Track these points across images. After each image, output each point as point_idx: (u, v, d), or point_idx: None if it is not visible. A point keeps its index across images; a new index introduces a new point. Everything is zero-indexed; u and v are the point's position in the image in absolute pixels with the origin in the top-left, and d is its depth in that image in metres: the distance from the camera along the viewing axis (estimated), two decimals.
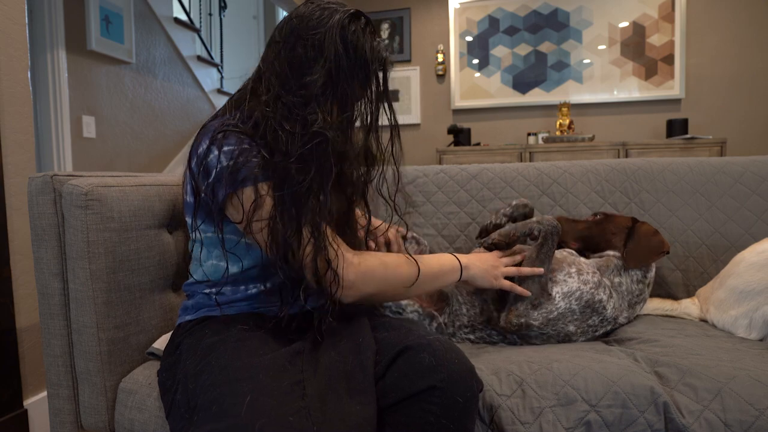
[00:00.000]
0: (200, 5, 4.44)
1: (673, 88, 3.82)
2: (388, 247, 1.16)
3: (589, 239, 1.25)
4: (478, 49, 4.19)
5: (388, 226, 1.17)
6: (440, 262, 0.97)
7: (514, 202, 1.26)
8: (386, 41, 4.46)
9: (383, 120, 0.91)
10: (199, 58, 3.81)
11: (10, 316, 1.39)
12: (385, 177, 0.95)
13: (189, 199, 0.89)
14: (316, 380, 0.73)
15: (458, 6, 4.21)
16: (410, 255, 0.93)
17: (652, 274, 1.19)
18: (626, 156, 3.47)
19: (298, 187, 0.80)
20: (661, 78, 3.84)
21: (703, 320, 1.23)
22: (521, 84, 4.11)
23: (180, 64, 3.58)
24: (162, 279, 1.05)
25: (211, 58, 4.02)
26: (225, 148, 0.81)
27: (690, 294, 1.35)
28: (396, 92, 4.45)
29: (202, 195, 0.84)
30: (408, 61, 4.41)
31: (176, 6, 3.73)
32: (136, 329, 1.00)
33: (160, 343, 1.00)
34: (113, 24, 2.93)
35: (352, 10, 0.86)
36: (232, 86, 4.48)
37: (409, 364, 0.75)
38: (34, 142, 1.50)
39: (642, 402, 0.80)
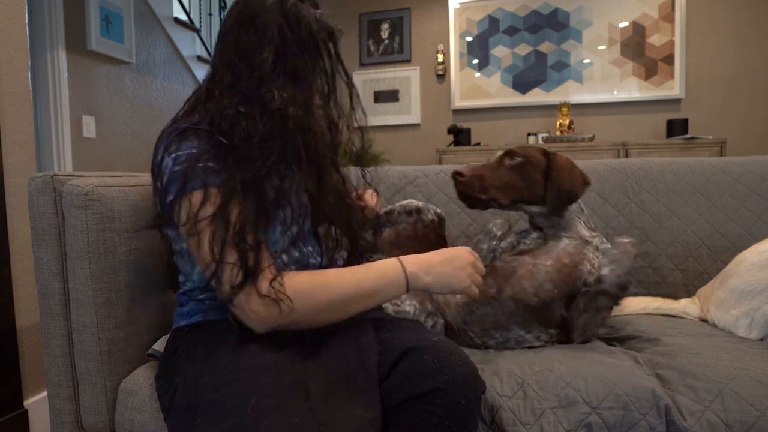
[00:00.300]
0: (200, 5, 4.44)
1: (673, 88, 3.82)
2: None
3: (515, 188, 1.13)
4: (478, 49, 4.19)
5: (364, 191, 1.14)
6: (377, 276, 0.82)
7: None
8: (386, 41, 4.47)
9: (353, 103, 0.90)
10: (199, 58, 3.81)
11: (11, 316, 1.39)
12: (353, 143, 0.93)
13: (159, 209, 0.86)
14: (318, 380, 0.72)
15: (458, 6, 4.21)
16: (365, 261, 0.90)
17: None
18: (626, 156, 3.48)
19: (259, 172, 0.78)
20: (661, 78, 3.84)
21: (703, 320, 1.23)
22: (521, 84, 4.11)
23: (180, 64, 3.58)
24: (162, 278, 1.05)
25: (212, 58, 4.02)
26: (175, 153, 0.79)
27: (690, 294, 1.35)
28: (396, 92, 4.45)
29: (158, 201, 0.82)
30: (408, 61, 4.41)
31: (176, 6, 3.73)
32: (137, 329, 1.00)
33: (161, 344, 1.00)
34: (113, 24, 2.93)
35: None
36: None
37: (413, 365, 0.75)
38: (34, 142, 1.50)
39: (643, 404, 0.80)
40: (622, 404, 0.80)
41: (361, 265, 0.83)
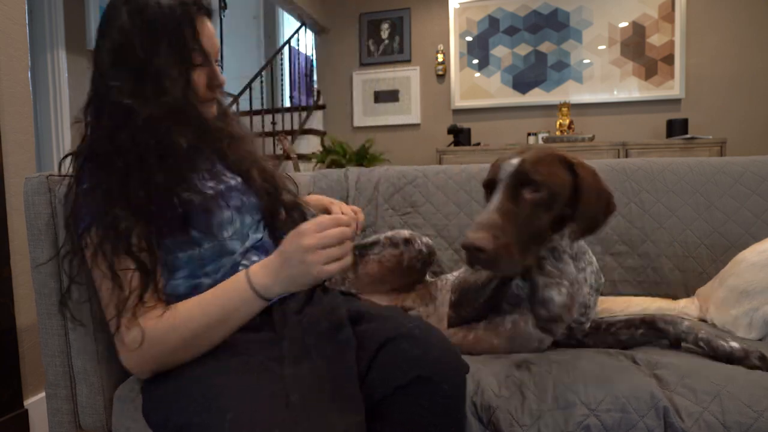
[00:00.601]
0: None
1: (673, 88, 3.82)
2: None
3: (544, 232, 0.91)
4: (478, 49, 4.19)
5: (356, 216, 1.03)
6: (224, 301, 0.78)
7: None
8: (386, 41, 4.47)
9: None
10: None
11: (10, 316, 1.39)
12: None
13: None
14: (298, 390, 0.70)
15: (458, 6, 4.21)
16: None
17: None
18: (626, 156, 3.47)
19: (123, 179, 0.77)
20: (661, 78, 3.84)
21: (702, 320, 1.23)
22: (521, 84, 4.11)
23: None
24: None
25: None
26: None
27: (689, 294, 1.35)
28: (396, 92, 4.45)
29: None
30: (408, 61, 4.41)
31: None
32: None
33: None
34: None
35: None
36: (233, 86, 4.48)
37: (391, 356, 0.72)
38: (34, 142, 1.50)
39: (642, 406, 0.79)
40: (621, 406, 0.80)
41: (211, 291, 0.78)
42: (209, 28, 0.88)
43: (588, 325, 1.05)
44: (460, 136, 3.94)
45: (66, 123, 2.95)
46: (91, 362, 0.93)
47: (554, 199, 0.88)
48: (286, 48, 4.66)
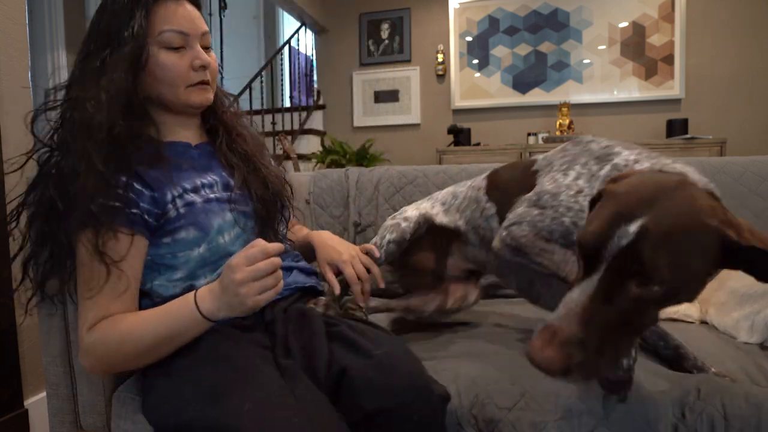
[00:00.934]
0: None
1: (673, 88, 3.82)
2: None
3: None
4: (478, 49, 4.19)
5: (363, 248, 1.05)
6: (171, 321, 0.77)
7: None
8: (386, 41, 4.47)
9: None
10: None
11: (11, 316, 1.39)
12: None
13: None
14: (297, 380, 0.73)
15: (458, 6, 4.21)
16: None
17: None
18: None
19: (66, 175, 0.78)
20: (661, 78, 3.84)
21: (704, 322, 1.23)
22: (521, 84, 4.11)
23: None
24: None
25: None
26: None
27: None
28: (396, 92, 4.45)
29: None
30: (408, 61, 4.41)
31: None
32: None
33: None
34: None
35: None
36: (232, 86, 4.48)
37: (356, 386, 0.73)
38: (34, 142, 1.50)
39: (649, 412, 0.79)
40: (630, 415, 0.79)
41: (164, 308, 0.78)
42: (186, 9, 0.86)
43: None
44: (460, 136, 3.94)
45: None
46: None
47: (676, 294, 0.59)
48: (286, 48, 4.65)
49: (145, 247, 0.82)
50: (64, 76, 2.81)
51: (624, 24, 3.90)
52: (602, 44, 3.94)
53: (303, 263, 1.04)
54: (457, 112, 4.28)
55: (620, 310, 0.58)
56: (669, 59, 3.82)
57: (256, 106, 4.24)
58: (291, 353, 0.81)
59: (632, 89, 3.90)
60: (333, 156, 4.03)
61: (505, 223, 0.95)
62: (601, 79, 3.95)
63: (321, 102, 4.73)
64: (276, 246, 0.72)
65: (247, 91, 4.13)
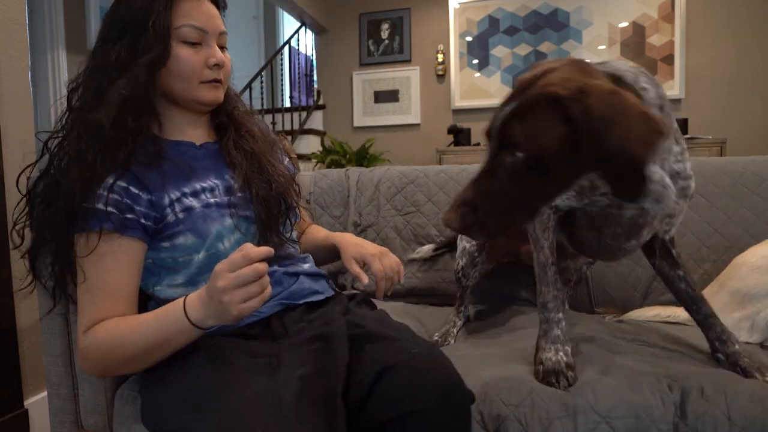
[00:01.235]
0: None
1: (673, 88, 3.82)
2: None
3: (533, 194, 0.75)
4: (478, 49, 4.19)
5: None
6: (162, 329, 0.76)
7: None
8: (386, 41, 4.47)
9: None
10: None
11: (11, 316, 1.39)
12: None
13: None
14: (290, 390, 0.69)
15: (458, 6, 4.21)
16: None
17: None
18: None
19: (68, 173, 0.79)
20: (661, 78, 3.84)
21: None
22: None
23: None
24: None
25: None
26: None
27: None
28: (396, 92, 4.45)
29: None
30: (408, 61, 4.41)
31: None
32: None
33: None
34: None
35: None
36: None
37: (390, 387, 0.71)
38: (34, 142, 1.50)
39: (654, 412, 0.79)
40: (633, 413, 0.79)
41: (154, 315, 0.77)
42: (207, 6, 0.87)
43: (672, 233, 0.96)
44: (460, 136, 3.94)
45: None
46: None
47: (539, 161, 0.70)
48: (286, 48, 4.66)
49: (140, 251, 0.82)
50: (64, 76, 2.80)
51: (624, 24, 3.90)
52: (602, 44, 3.94)
53: (309, 266, 1.00)
54: (457, 112, 4.28)
55: (500, 178, 0.73)
56: (669, 59, 3.82)
57: (256, 106, 4.24)
58: (299, 361, 0.77)
59: None
60: (333, 156, 4.03)
61: None
62: None
63: (321, 102, 4.73)
64: (260, 251, 0.69)
65: (247, 91, 4.14)
